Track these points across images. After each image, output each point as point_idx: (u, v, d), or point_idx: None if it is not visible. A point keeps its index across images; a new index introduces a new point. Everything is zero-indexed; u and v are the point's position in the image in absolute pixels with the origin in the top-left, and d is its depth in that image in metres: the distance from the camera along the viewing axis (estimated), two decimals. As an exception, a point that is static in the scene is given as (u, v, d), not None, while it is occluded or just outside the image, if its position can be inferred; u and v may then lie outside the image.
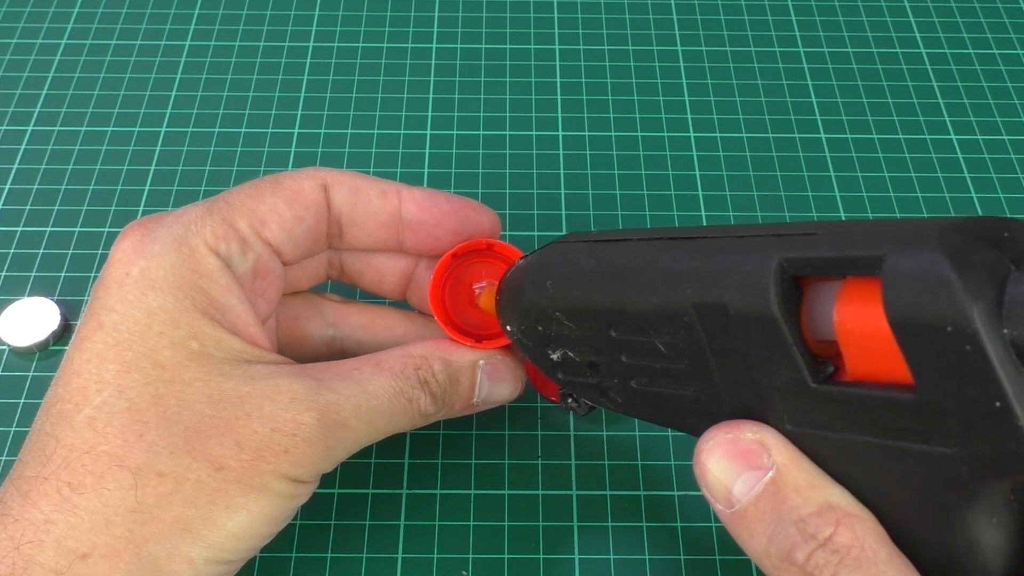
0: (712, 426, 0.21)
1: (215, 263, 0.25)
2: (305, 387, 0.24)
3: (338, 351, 0.30)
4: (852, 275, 0.18)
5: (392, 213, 0.28)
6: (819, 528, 0.18)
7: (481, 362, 0.28)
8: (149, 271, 0.24)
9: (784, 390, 0.20)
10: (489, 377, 0.28)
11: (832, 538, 0.18)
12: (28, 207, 0.39)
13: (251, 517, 0.23)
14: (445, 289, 0.29)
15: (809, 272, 0.19)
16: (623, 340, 0.23)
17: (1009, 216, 0.18)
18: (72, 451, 0.22)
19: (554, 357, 0.25)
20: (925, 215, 0.39)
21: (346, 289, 0.33)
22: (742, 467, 0.20)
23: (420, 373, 0.26)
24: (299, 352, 0.30)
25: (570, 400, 0.27)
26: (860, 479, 0.19)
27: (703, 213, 0.39)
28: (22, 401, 0.33)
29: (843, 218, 0.39)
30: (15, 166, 0.40)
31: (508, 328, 0.27)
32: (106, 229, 0.38)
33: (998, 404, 0.16)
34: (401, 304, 0.31)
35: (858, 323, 0.18)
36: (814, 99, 0.43)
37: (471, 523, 0.30)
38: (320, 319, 0.30)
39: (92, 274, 0.36)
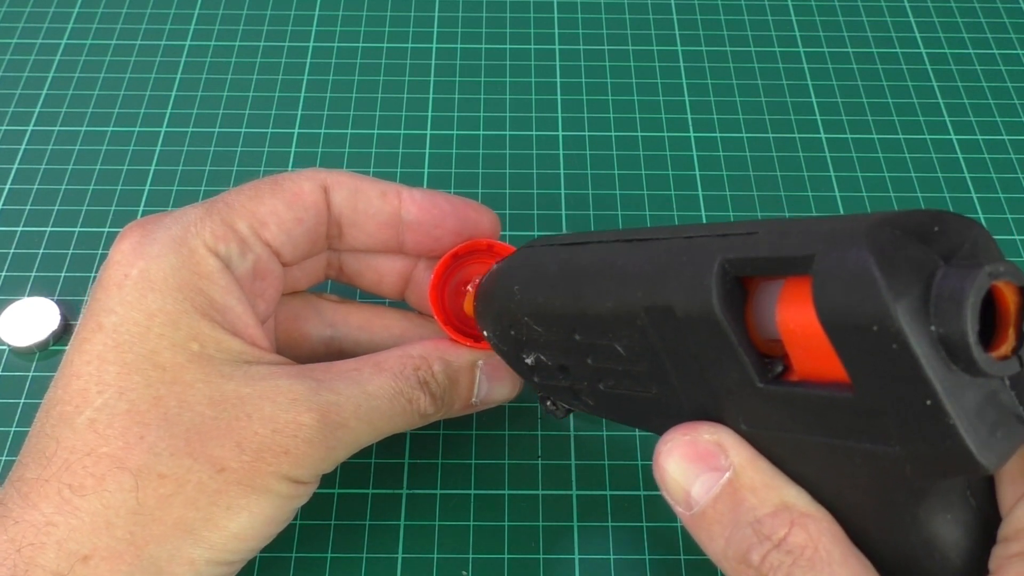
0: (671, 428, 0.21)
1: (214, 264, 0.25)
2: (305, 388, 0.24)
3: (336, 351, 0.30)
4: (788, 275, 0.18)
5: (392, 214, 0.28)
6: (774, 529, 0.18)
7: (480, 362, 0.28)
8: (148, 272, 0.24)
9: (735, 391, 0.19)
10: (488, 377, 0.28)
11: (786, 539, 0.18)
12: (28, 207, 0.39)
13: (252, 518, 0.23)
14: (444, 289, 0.29)
15: (749, 272, 0.19)
16: (587, 343, 0.23)
17: (953, 211, 0.18)
18: (73, 453, 0.22)
19: (528, 361, 0.25)
20: (925, 215, 0.39)
21: (345, 289, 0.33)
22: (700, 469, 0.20)
23: (419, 373, 0.26)
24: (297, 352, 0.30)
25: (548, 403, 0.27)
26: (815, 478, 0.19)
27: (703, 213, 0.39)
28: (22, 401, 0.33)
29: (843, 218, 0.39)
30: (15, 166, 0.40)
31: (485, 333, 0.27)
32: (106, 229, 0.38)
33: (928, 403, 0.16)
34: (399, 304, 0.31)
35: (798, 323, 0.18)
36: (814, 99, 0.43)
37: (471, 523, 0.30)
38: (318, 319, 0.30)
39: (92, 274, 0.36)
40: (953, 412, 0.16)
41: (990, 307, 0.16)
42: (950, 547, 0.18)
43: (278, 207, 0.26)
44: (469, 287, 0.29)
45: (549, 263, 0.24)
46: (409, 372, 0.26)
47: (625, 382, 0.22)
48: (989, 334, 0.16)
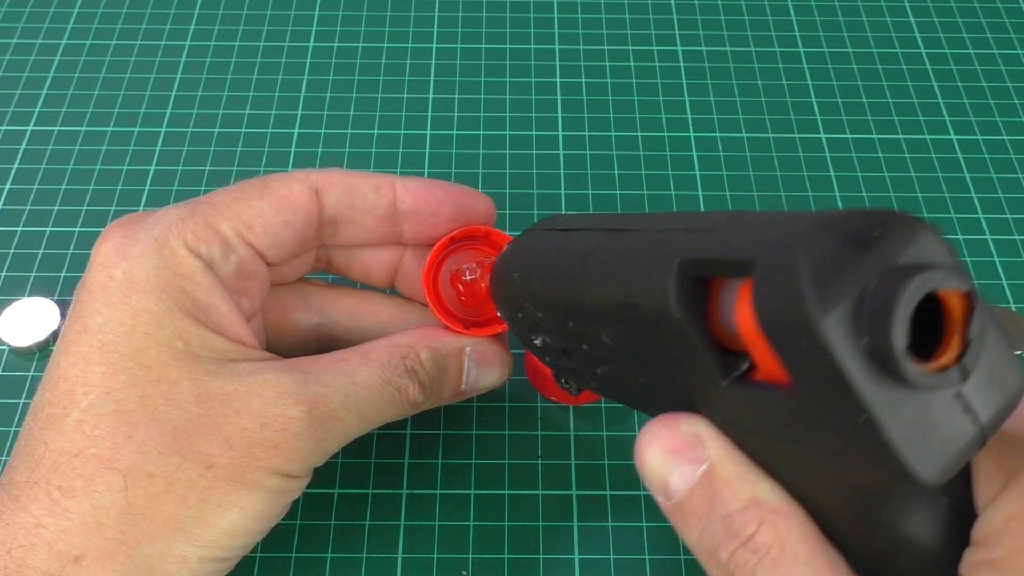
0: (651, 419, 0.21)
1: (196, 264, 0.25)
2: (293, 381, 0.24)
3: (326, 337, 0.30)
4: (739, 277, 0.17)
5: (388, 207, 0.28)
6: (744, 525, 0.18)
7: (468, 348, 0.28)
8: (132, 273, 0.24)
9: (703, 388, 0.19)
10: (476, 363, 0.28)
11: (754, 537, 0.18)
12: (28, 207, 0.39)
13: (243, 514, 0.23)
14: (438, 275, 0.29)
15: (705, 274, 0.18)
16: (579, 331, 0.23)
17: (902, 211, 0.17)
18: (61, 455, 0.22)
19: (537, 342, 0.25)
20: (925, 215, 0.39)
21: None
22: (678, 460, 0.20)
23: (407, 362, 0.26)
24: (286, 341, 0.30)
25: (562, 381, 0.27)
26: (786, 474, 0.19)
27: (703, 213, 0.39)
28: (22, 401, 0.33)
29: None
30: (15, 166, 0.40)
31: (500, 314, 0.27)
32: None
33: (862, 419, 0.15)
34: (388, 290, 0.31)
35: (751, 326, 0.17)
36: (814, 99, 0.43)
37: (471, 523, 0.30)
38: (306, 308, 0.30)
39: (92, 274, 0.36)
40: (888, 428, 0.15)
41: (938, 314, 0.16)
42: (919, 547, 0.17)
43: (265, 210, 0.26)
44: (463, 267, 0.29)
45: (544, 249, 0.24)
46: (397, 361, 0.26)
47: (617, 369, 0.22)
48: (936, 342, 0.16)
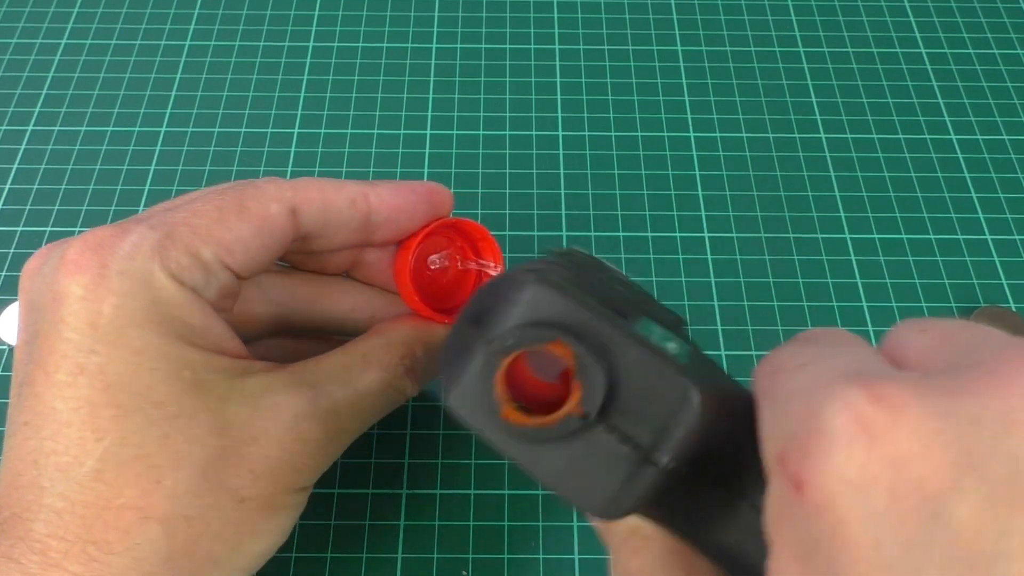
0: None
1: (184, 292, 0.24)
2: (304, 401, 0.24)
3: (285, 325, 0.30)
4: None
5: (362, 220, 0.27)
6: (627, 557, 0.20)
7: None
8: (123, 308, 0.23)
9: None
10: None
11: (629, 567, 0.20)
12: (28, 207, 0.39)
13: (273, 536, 0.24)
14: (414, 272, 0.29)
15: None
16: None
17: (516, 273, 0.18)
18: (87, 508, 0.22)
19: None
20: (925, 215, 0.39)
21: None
22: None
23: (406, 362, 0.27)
24: (247, 333, 0.29)
25: None
26: None
27: (703, 213, 0.39)
28: (22, 401, 0.33)
29: (843, 218, 0.39)
30: (15, 166, 0.40)
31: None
32: (106, 229, 0.38)
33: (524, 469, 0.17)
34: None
35: None
36: (814, 99, 0.43)
37: (471, 523, 0.30)
38: (264, 299, 0.29)
39: (92, 274, 0.36)
40: (540, 477, 0.16)
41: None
42: (751, 556, 0.18)
43: (245, 234, 0.25)
44: (437, 261, 0.29)
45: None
46: (396, 361, 0.26)
47: None
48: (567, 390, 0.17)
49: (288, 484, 0.24)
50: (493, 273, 0.29)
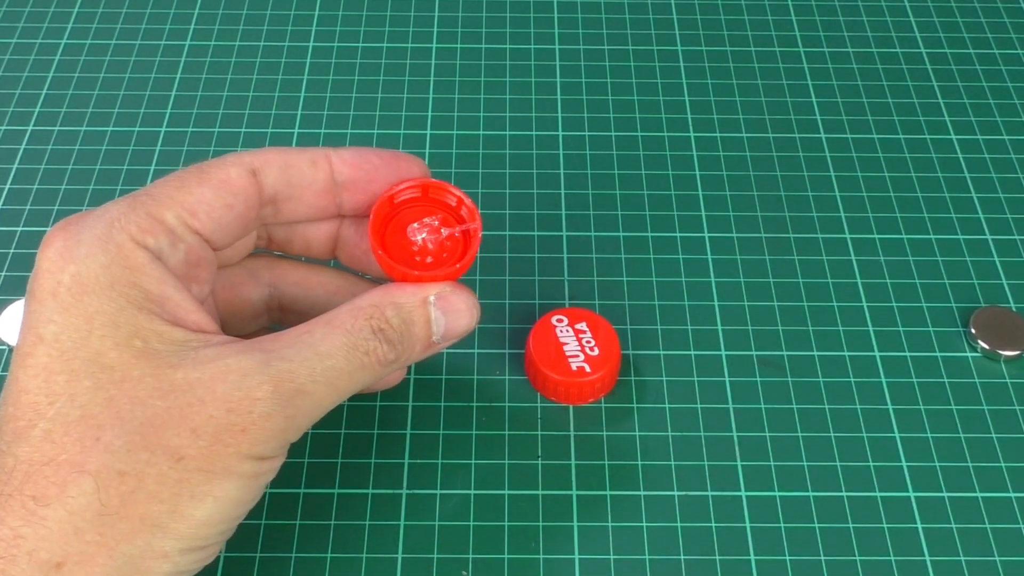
0: None
1: (144, 257, 0.24)
2: (255, 361, 0.24)
3: (276, 308, 0.30)
4: None
5: (326, 180, 0.28)
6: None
7: (431, 297, 0.27)
8: (80, 276, 0.24)
9: None
10: (443, 311, 0.27)
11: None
12: (28, 207, 0.39)
13: (218, 503, 0.23)
14: (384, 232, 0.28)
15: None
16: None
17: None
18: (32, 465, 0.22)
19: None
20: (925, 215, 0.39)
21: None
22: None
23: (372, 322, 0.26)
24: (240, 317, 0.30)
25: None
26: None
27: (703, 213, 0.39)
28: (22, 401, 0.33)
29: (843, 218, 0.39)
30: (15, 166, 0.40)
31: None
32: (106, 229, 0.38)
33: None
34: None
35: None
36: (814, 99, 0.43)
37: (471, 523, 0.30)
38: (256, 282, 0.30)
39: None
40: None
41: None
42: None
43: (206, 195, 0.26)
44: (415, 232, 0.28)
45: None
46: (362, 323, 0.26)
47: None
48: None
49: (235, 448, 0.23)
50: (478, 232, 0.28)
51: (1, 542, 0.22)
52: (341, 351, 0.25)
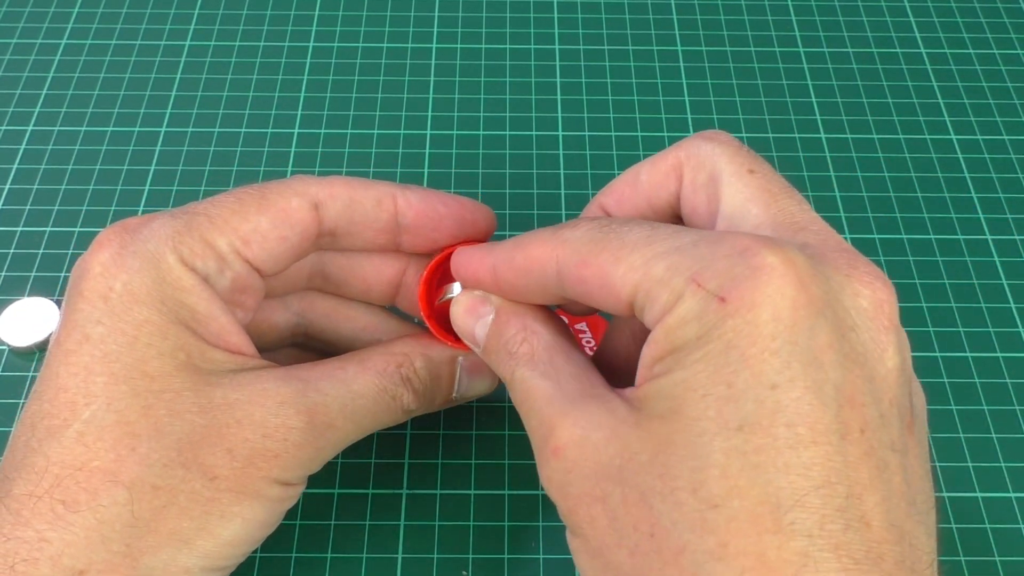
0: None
1: (193, 280, 0.24)
2: (292, 390, 0.24)
3: (302, 335, 0.30)
4: None
5: (389, 220, 0.27)
6: (514, 344, 0.24)
7: (460, 358, 0.28)
8: (132, 286, 0.24)
9: None
10: (468, 372, 0.29)
11: (518, 350, 0.24)
12: (28, 207, 0.39)
13: (245, 524, 0.24)
14: (434, 290, 0.29)
15: None
16: None
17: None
18: (64, 468, 0.22)
19: None
20: (925, 215, 0.39)
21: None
22: (476, 316, 0.26)
23: (402, 370, 0.27)
24: (265, 340, 0.30)
25: None
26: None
27: (703, 213, 0.39)
28: (21, 401, 0.33)
29: (843, 218, 0.39)
30: (15, 166, 0.40)
31: None
32: (106, 229, 0.38)
33: None
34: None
35: None
36: (814, 99, 0.43)
37: (471, 523, 0.30)
38: (285, 309, 0.30)
39: (92, 274, 0.36)
40: None
41: None
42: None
43: (262, 225, 0.26)
44: (447, 288, 0.28)
45: None
46: (392, 370, 0.26)
47: None
48: None
49: (266, 471, 0.24)
50: None
51: (25, 544, 0.22)
52: (371, 392, 0.26)
